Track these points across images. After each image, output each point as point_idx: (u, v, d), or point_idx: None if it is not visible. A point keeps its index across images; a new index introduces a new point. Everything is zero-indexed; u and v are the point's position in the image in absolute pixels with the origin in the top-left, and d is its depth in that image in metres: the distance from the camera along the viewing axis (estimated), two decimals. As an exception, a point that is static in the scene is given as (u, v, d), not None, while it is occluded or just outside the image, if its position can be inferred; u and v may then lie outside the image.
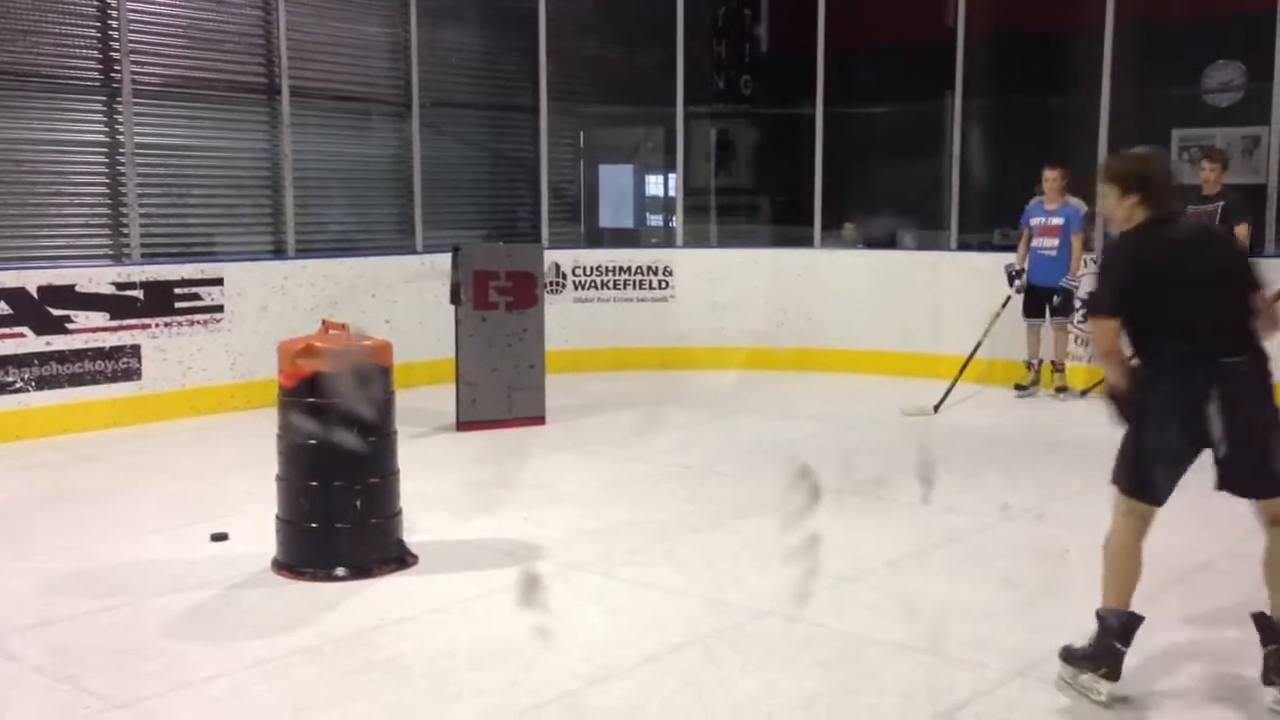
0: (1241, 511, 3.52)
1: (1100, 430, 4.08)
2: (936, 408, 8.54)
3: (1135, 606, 3.76)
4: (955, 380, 8.79)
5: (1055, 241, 8.99)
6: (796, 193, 10.89)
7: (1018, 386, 9.19)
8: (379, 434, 5.02)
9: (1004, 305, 9.04)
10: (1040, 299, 9.09)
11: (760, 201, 12.95)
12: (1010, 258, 9.25)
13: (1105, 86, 9.32)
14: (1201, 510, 5.76)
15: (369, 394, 4.88)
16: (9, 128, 7.98)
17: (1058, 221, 8.98)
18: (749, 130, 13.02)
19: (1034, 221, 9.16)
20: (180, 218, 8.93)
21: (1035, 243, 9.11)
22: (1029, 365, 9.22)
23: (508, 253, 8.34)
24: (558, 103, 10.95)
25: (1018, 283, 9.05)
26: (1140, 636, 3.75)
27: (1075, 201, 8.98)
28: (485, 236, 10.60)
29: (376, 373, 4.97)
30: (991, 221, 11.05)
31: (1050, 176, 8.99)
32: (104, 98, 8.39)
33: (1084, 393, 8.74)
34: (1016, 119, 11.00)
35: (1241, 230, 8.14)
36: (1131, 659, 3.74)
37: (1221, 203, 8.41)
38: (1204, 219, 8.05)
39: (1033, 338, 9.19)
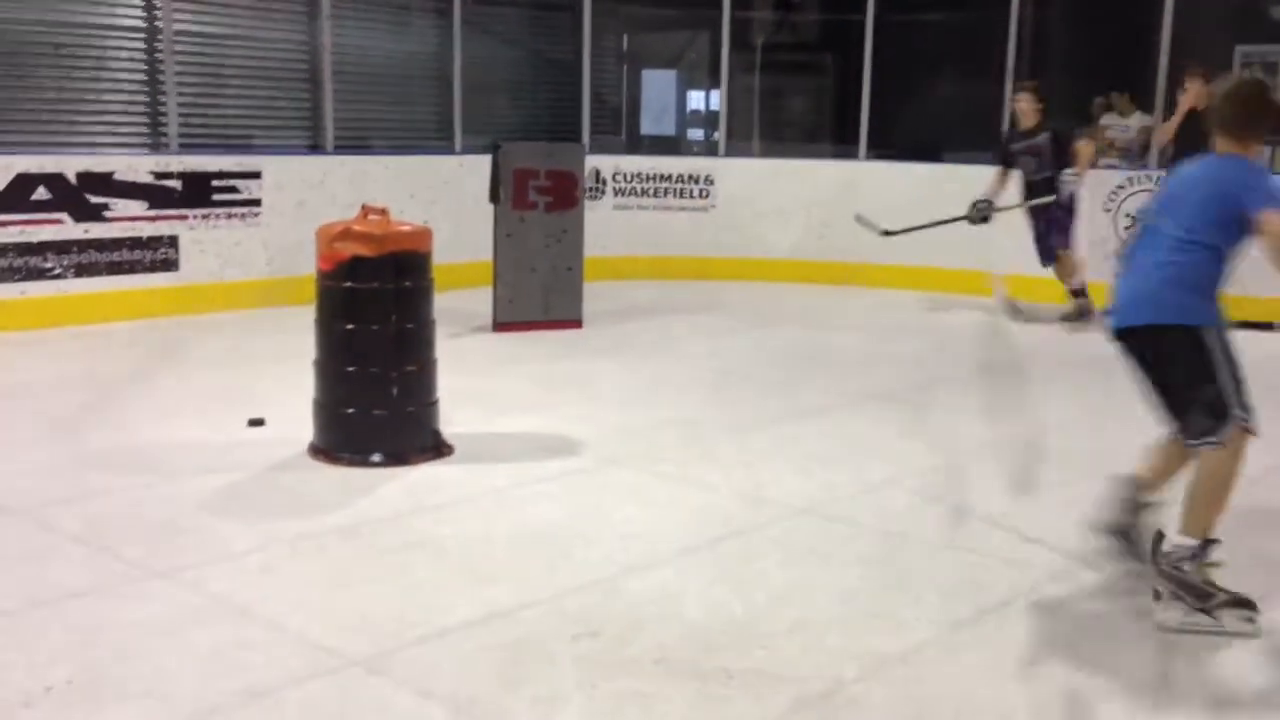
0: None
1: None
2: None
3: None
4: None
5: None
6: (844, 103, 10.65)
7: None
8: (417, 321, 4.96)
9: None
10: None
11: (806, 111, 12.70)
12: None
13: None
14: None
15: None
16: (49, 11, 7.87)
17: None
18: (796, 38, 12.72)
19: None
20: (217, 108, 8.83)
21: None
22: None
23: (548, 152, 8.18)
24: (601, 2, 10.71)
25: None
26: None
27: None
28: (525, 139, 10.42)
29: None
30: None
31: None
32: (143, -18, 8.27)
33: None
34: (1073, 32, 10.68)
35: (1085, 147, 8.32)
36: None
37: (1047, 133, 8.33)
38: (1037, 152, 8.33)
39: None
